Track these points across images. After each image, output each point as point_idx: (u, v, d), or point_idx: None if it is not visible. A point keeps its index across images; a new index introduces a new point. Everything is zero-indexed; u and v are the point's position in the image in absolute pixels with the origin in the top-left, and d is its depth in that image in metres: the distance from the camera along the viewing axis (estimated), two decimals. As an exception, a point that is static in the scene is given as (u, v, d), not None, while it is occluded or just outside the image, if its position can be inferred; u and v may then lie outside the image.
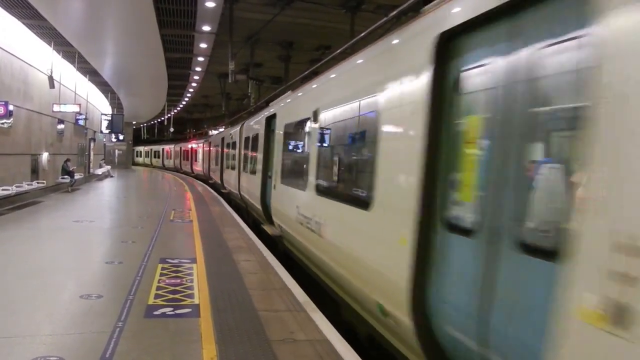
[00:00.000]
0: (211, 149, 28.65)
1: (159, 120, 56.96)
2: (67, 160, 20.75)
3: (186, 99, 37.98)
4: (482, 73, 3.36)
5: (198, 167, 37.98)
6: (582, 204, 2.30)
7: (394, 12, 6.73)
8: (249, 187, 14.09)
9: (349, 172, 6.03)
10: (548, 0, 2.79)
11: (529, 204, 2.87)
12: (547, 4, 2.79)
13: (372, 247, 4.72)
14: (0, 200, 13.24)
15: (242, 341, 4.57)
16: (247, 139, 15.65)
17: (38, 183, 16.71)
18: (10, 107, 14.27)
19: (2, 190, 13.44)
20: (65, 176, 20.17)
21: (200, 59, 21.82)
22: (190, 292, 6.10)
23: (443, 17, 3.82)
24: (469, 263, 3.25)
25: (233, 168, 18.34)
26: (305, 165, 7.69)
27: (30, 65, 17.20)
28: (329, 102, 6.78)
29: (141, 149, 70.17)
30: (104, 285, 6.47)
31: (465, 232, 3.33)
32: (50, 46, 18.62)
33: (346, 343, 4.62)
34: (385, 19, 7.21)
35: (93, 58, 21.46)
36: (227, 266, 7.59)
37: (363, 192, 5.08)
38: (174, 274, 6.93)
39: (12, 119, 14.68)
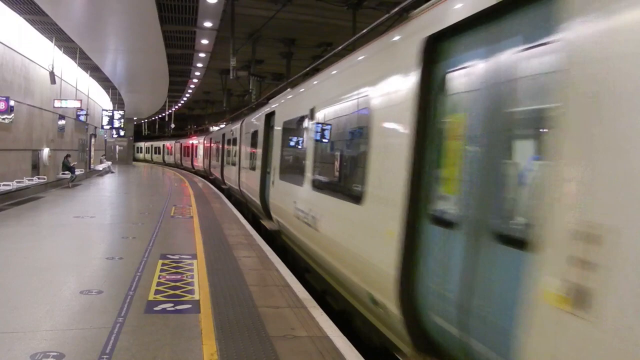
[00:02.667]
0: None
1: (160, 116, 56.95)
2: (68, 156, 20.75)
3: (187, 95, 37.93)
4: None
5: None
6: (548, 198, 2.44)
7: (396, 9, 6.71)
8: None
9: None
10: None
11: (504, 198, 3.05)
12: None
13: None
14: (1, 195, 13.25)
15: (243, 337, 4.57)
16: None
17: (39, 179, 16.72)
18: (12, 103, 14.27)
19: (3, 185, 13.44)
20: (66, 172, 20.18)
21: (202, 55, 21.78)
22: (190, 288, 6.11)
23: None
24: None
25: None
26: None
27: (32, 61, 17.20)
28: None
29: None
30: (104, 281, 6.47)
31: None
32: (52, 42, 18.60)
33: (346, 340, 4.63)
34: (387, 15, 7.19)
35: (94, 54, 21.44)
36: (228, 262, 7.59)
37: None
38: (175, 270, 6.94)
39: (13, 115, 14.67)
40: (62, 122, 21.52)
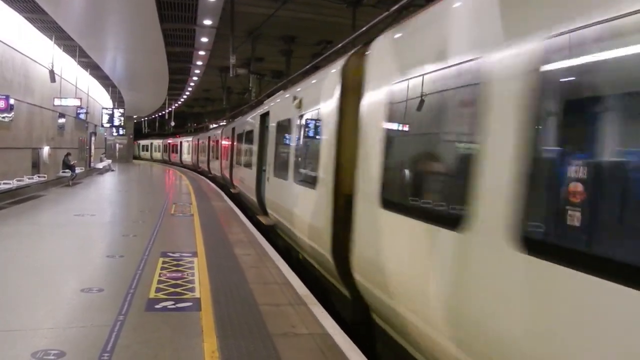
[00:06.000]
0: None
1: (160, 114, 56.92)
2: (68, 154, 20.76)
3: (187, 93, 37.94)
4: None
5: None
6: None
7: (395, 7, 6.71)
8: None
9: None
10: None
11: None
12: None
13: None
14: (1, 194, 13.25)
15: (243, 335, 4.58)
16: None
17: (39, 177, 16.73)
18: (12, 101, 14.26)
19: (3, 184, 13.45)
20: (66, 170, 20.18)
21: (202, 53, 21.77)
22: (191, 285, 6.12)
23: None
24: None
25: None
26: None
27: (32, 59, 17.19)
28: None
29: None
30: (105, 279, 6.48)
31: None
32: (51, 40, 18.59)
33: (347, 337, 4.63)
34: (386, 13, 7.19)
35: (94, 52, 21.44)
36: (228, 260, 7.60)
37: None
38: (175, 268, 6.94)
39: (13, 113, 14.67)
40: (62, 120, 21.51)
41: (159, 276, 6.48)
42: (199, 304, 5.43)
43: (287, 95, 9.58)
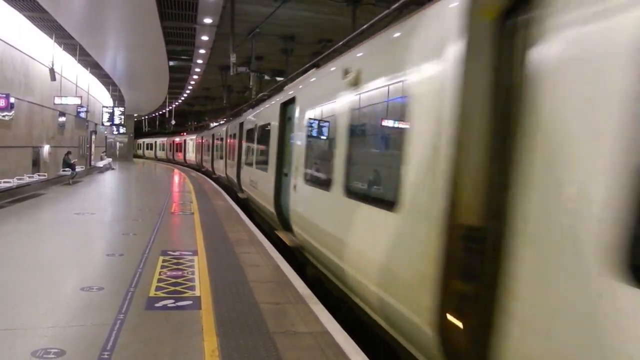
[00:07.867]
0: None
1: (160, 112, 56.91)
2: (68, 152, 20.74)
3: (187, 92, 37.92)
4: None
5: None
6: None
7: (396, 5, 6.70)
8: None
9: None
10: None
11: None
12: None
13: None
14: (2, 192, 13.25)
15: (244, 333, 4.58)
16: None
17: (39, 176, 16.72)
18: (12, 100, 14.25)
19: (4, 182, 13.44)
20: (67, 169, 20.17)
21: (202, 51, 21.76)
22: (191, 284, 6.12)
23: None
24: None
25: None
26: None
27: (32, 58, 17.16)
28: None
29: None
30: (105, 277, 6.48)
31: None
32: (52, 38, 18.57)
33: (347, 335, 4.63)
34: (386, 11, 7.18)
35: (94, 50, 21.40)
36: (229, 258, 7.60)
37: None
38: (175, 267, 6.94)
39: (13, 112, 14.67)
40: (62, 119, 21.49)
41: (159, 275, 6.48)
42: (199, 302, 5.43)
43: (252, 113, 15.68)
